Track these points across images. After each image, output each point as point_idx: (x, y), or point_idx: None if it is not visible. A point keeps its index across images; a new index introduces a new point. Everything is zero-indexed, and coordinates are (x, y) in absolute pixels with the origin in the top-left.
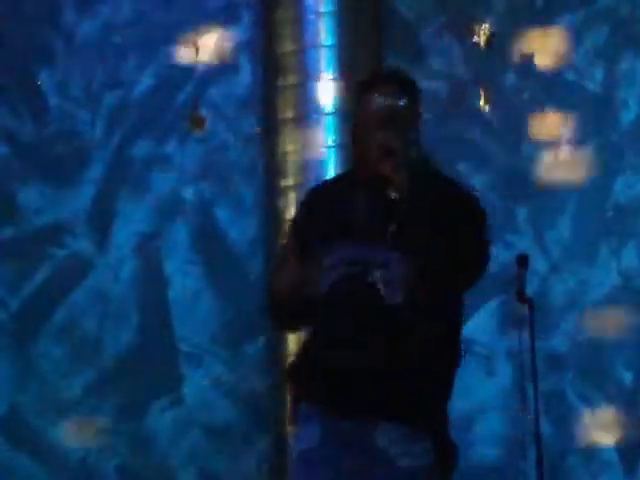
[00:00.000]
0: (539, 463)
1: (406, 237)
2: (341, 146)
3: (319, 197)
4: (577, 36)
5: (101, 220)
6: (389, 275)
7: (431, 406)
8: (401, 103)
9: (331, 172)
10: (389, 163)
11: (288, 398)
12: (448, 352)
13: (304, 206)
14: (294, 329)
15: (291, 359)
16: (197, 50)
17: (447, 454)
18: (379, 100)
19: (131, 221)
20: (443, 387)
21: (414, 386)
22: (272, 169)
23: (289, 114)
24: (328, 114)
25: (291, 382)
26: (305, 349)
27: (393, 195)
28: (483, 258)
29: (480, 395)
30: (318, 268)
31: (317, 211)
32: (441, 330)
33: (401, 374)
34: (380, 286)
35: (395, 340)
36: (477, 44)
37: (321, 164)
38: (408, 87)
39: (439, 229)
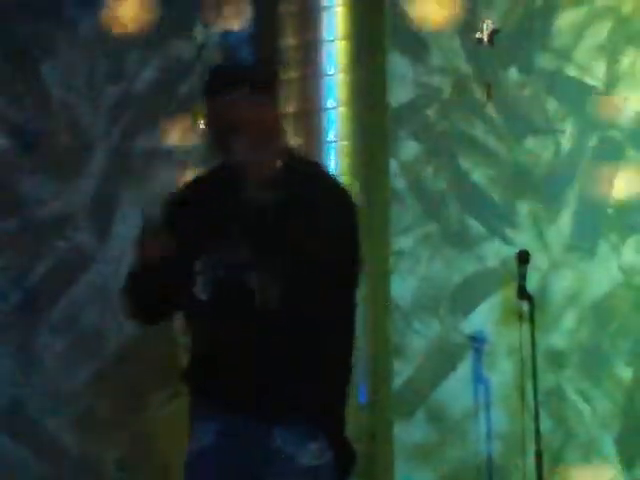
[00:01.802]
0: (539, 459)
1: (277, 241)
2: (342, 140)
3: (187, 197)
4: (579, 32)
5: (103, 212)
6: (262, 280)
7: (322, 405)
8: (246, 104)
9: (332, 165)
10: (249, 172)
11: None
12: (334, 353)
13: (172, 204)
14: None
15: (184, 363)
16: (199, 43)
17: (344, 454)
18: (219, 105)
19: (133, 213)
20: (333, 387)
21: (300, 386)
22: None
23: (291, 108)
24: (330, 109)
25: (186, 384)
26: (194, 354)
27: (260, 200)
28: (354, 255)
29: (480, 391)
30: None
31: (186, 211)
32: (322, 331)
33: (286, 375)
34: (256, 291)
35: (274, 343)
36: (479, 40)
37: (322, 158)
38: (257, 86)
39: (310, 229)
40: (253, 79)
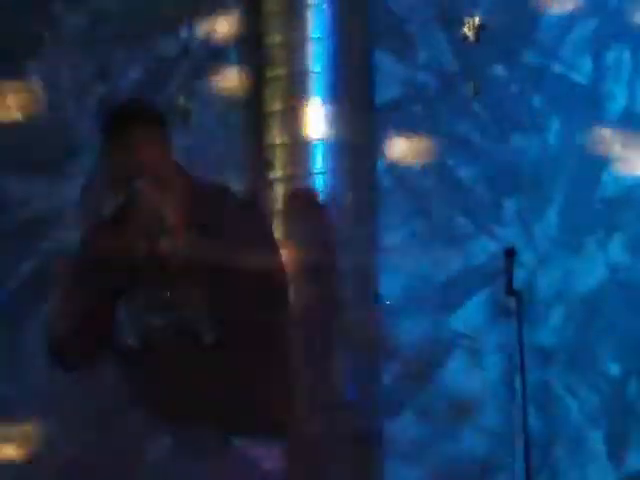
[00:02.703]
0: (527, 455)
1: (198, 278)
2: (329, 138)
3: (102, 239)
4: (565, 28)
5: (90, 213)
6: (186, 319)
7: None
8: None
9: (319, 164)
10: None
11: None
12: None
13: (89, 245)
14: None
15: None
16: (186, 42)
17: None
18: (124, 145)
19: None
20: (278, 404)
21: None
22: (261, 161)
23: (277, 106)
24: (316, 106)
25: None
26: (136, 397)
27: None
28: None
29: (468, 387)
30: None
31: (101, 258)
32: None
33: (235, 396)
34: (172, 333)
35: (216, 374)
36: (466, 36)
37: (310, 156)
38: (145, 120)
39: (229, 259)
40: (150, 116)
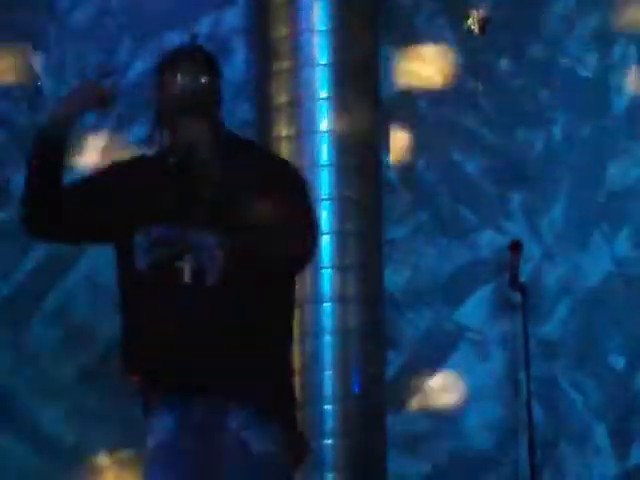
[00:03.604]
0: (531, 449)
1: (221, 218)
2: (335, 131)
3: (133, 170)
4: (570, 21)
5: None
6: (201, 258)
7: (272, 388)
8: (202, 82)
9: (324, 156)
10: (194, 158)
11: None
12: (276, 333)
13: (117, 167)
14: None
15: (128, 358)
16: (191, 34)
17: (295, 439)
18: (179, 82)
19: None
20: (278, 369)
21: (247, 368)
22: None
23: (283, 99)
24: (322, 99)
25: (135, 379)
26: (135, 338)
27: (203, 189)
28: (307, 227)
29: (473, 381)
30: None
31: (130, 183)
32: (265, 311)
33: (228, 357)
34: (186, 271)
35: (218, 320)
36: (471, 29)
37: (315, 149)
38: (207, 65)
39: (254, 206)
40: (218, 67)
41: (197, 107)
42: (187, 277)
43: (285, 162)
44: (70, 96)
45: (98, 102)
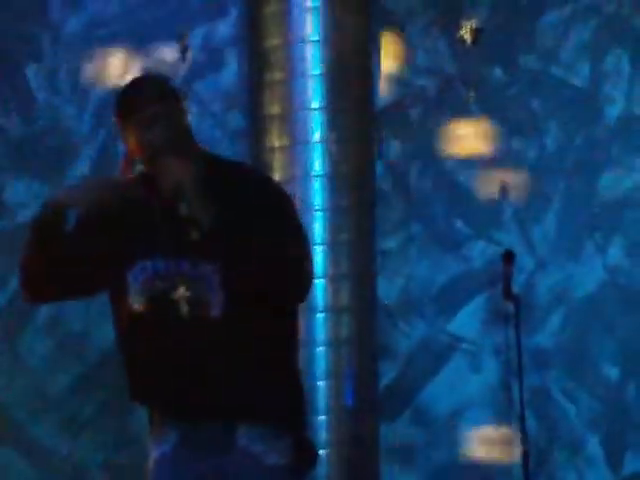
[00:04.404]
0: (525, 459)
1: (213, 248)
2: (328, 141)
3: (119, 210)
4: (563, 32)
5: None
6: (196, 289)
7: (281, 403)
8: (163, 124)
9: (317, 167)
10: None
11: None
12: (276, 351)
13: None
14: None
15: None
16: (183, 45)
17: (306, 453)
18: (140, 136)
19: None
20: (285, 383)
21: (254, 386)
22: (259, 165)
23: (276, 109)
24: (315, 110)
25: (137, 400)
26: (137, 369)
27: (194, 233)
28: (305, 257)
29: (466, 392)
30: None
31: (113, 220)
32: (267, 333)
33: (238, 378)
34: (182, 303)
35: (218, 350)
36: (464, 40)
37: (308, 159)
38: (161, 101)
39: (244, 232)
40: (162, 92)
41: (168, 149)
42: (184, 309)
43: (276, 186)
44: (75, 189)
45: (98, 203)
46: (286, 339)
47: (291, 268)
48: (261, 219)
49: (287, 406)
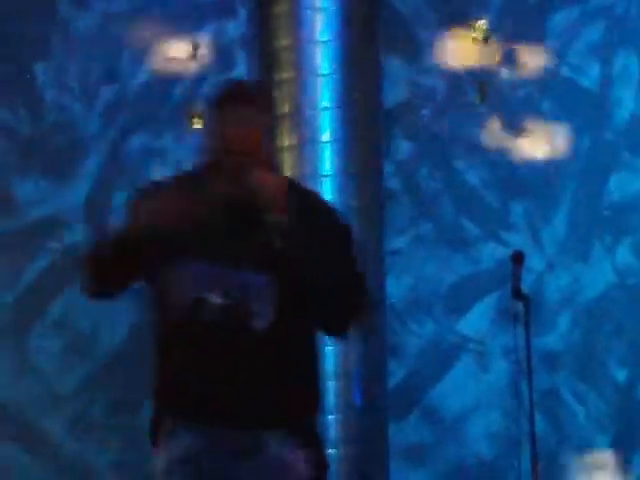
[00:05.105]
0: (533, 461)
1: (278, 260)
2: (337, 141)
3: (165, 194)
4: (572, 33)
5: (97, 214)
6: (256, 300)
7: (305, 417)
8: (262, 127)
9: (327, 166)
10: (265, 195)
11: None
12: (310, 366)
13: (144, 202)
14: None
15: (157, 376)
16: (193, 44)
17: (321, 465)
18: (238, 132)
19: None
20: (310, 400)
21: (285, 395)
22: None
23: (285, 109)
24: (324, 109)
25: (159, 399)
26: (169, 368)
27: (271, 218)
28: (362, 277)
29: (475, 392)
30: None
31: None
32: (304, 348)
33: (271, 386)
34: (230, 309)
35: (260, 362)
36: (473, 40)
37: (317, 158)
38: (264, 106)
39: (312, 249)
40: (264, 99)
41: (258, 155)
42: (231, 316)
43: (333, 207)
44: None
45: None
46: (316, 352)
47: (353, 300)
48: (333, 242)
49: (314, 417)
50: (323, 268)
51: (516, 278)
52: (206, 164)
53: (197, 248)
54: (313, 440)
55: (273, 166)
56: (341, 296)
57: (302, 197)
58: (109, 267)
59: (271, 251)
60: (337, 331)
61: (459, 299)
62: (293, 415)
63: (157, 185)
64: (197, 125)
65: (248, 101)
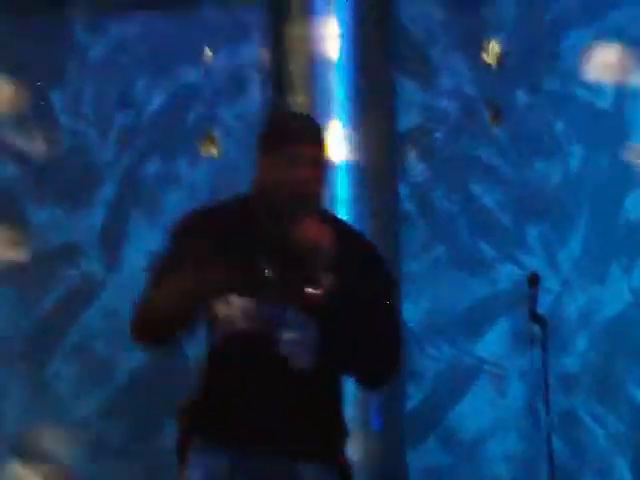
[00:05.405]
0: None
1: (319, 299)
2: (351, 163)
3: (210, 227)
4: (587, 53)
5: (113, 240)
6: (297, 338)
7: (337, 451)
8: (321, 163)
9: (342, 189)
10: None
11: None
12: (339, 400)
13: (189, 233)
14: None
15: (189, 397)
16: (207, 69)
17: None
18: (292, 160)
19: (143, 241)
20: (341, 434)
21: (319, 432)
22: None
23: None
24: (338, 132)
25: (188, 419)
26: (205, 393)
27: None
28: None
29: (492, 415)
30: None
31: (209, 244)
32: (337, 383)
33: (305, 416)
34: (287, 350)
35: (296, 398)
36: (487, 62)
37: (332, 182)
38: (317, 134)
39: (351, 288)
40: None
41: (317, 202)
42: (289, 357)
43: (370, 243)
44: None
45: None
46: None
47: (391, 351)
48: (374, 291)
49: (344, 450)
50: (363, 317)
51: (532, 300)
52: (254, 199)
53: (244, 287)
54: (346, 475)
55: (322, 209)
56: (380, 345)
57: (346, 244)
58: (165, 318)
59: (316, 296)
60: (372, 382)
61: (476, 322)
62: (326, 448)
63: (201, 215)
64: (211, 150)
65: (315, 140)
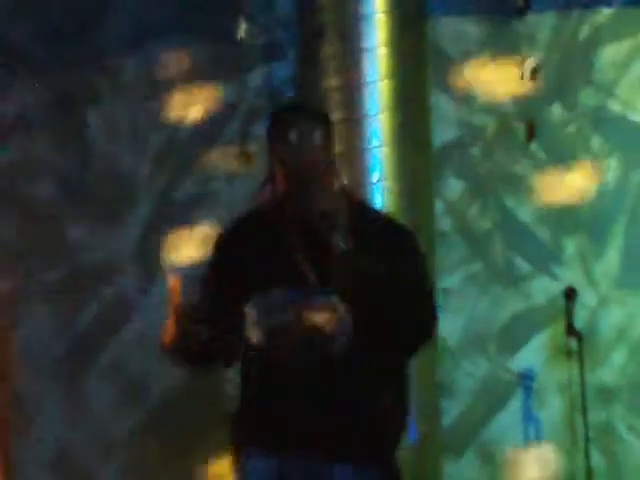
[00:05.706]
0: None
1: (351, 285)
2: (387, 181)
3: (242, 238)
4: (622, 67)
5: (148, 259)
6: (335, 325)
7: (381, 451)
8: (318, 144)
9: (377, 206)
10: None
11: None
12: (391, 399)
13: (224, 249)
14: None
15: (237, 405)
16: (242, 86)
17: None
18: (296, 150)
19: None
20: (391, 434)
21: (359, 424)
22: None
23: (335, 150)
24: (374, 149)
25: (238, 425)
26: (252, 396)
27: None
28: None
29: (530, 429)
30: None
31: (244, 253)
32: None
33: (345, 415)
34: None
35: (341, 389)
36: (522, 77)
37: (368, 199)
38: (321, 123)
39: (382, 273)
40: (322, 121)
41: (326, 173)
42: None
43: (404, 228)
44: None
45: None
46: (401, 386)
47: (421, 312)
48: (396, 261)
49: (394, 452)
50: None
51: (569, 314)
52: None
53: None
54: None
55: (339, 181)
56: (408, 309)
57: (366, 222)
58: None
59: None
60: (405, 347)
61: (512, 336)
62: (373, 451)
63: (239, 224)
64: (248, 167)
65: (298, 121)
